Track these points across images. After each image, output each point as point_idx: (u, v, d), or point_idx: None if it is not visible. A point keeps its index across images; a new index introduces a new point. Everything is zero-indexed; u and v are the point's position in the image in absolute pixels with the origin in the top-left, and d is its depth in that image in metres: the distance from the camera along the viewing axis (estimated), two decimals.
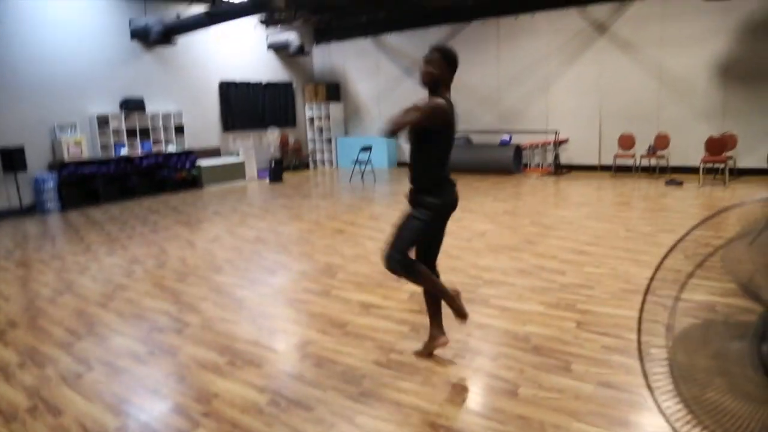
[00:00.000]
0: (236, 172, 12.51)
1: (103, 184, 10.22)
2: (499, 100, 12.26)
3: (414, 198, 3.06)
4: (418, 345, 3.34)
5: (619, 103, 10.79)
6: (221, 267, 5.50)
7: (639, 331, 1.49)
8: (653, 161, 10.25)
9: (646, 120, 10.47)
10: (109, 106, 10.63)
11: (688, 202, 7.79)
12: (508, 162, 11.33)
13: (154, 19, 10.58)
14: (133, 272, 5.44)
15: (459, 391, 2.87)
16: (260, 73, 13.68)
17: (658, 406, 1.50)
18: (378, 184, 11.27)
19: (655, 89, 10.38)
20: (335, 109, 14.62)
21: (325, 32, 14.71)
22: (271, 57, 14.02)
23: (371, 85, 14.32)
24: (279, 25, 13.34)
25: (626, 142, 10.48)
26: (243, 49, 13.23)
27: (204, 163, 11.87)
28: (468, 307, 3.25)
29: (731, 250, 1.37)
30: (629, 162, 10.48)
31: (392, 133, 2.92)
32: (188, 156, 11.62)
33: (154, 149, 11.17)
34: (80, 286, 5.06)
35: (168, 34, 10.58)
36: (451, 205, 3.08)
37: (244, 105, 13.29)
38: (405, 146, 13.62)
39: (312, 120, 14.84)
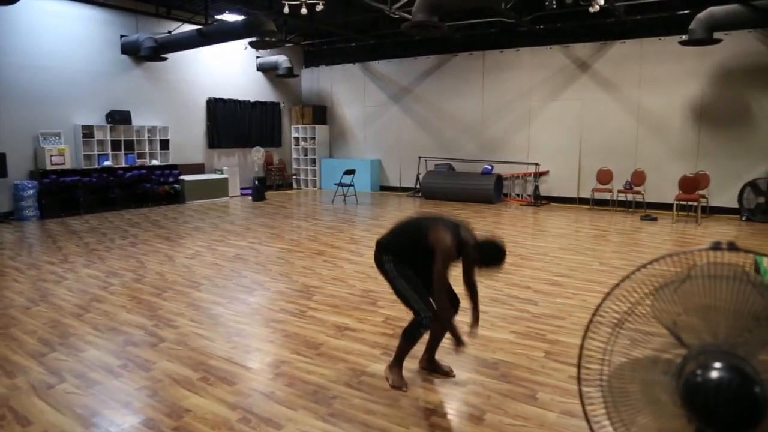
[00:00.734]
0: (219, 188, 12.53)
1: (84, 194, 10.17)
2: (483, 130, 12.51)
3: None
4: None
5: (598, 139, 11.09)
6: (199, 283, 5.52)
7: (579, 366, 1.61)
8: (630, 196, 10.52)
9: (624, 156, 10.78)
10: (96, 118, 10.65)
11: (661, 237, 8.00)
12: (488, 191, 11.52)
13: (146, 35, 10.68)
14: (110, 284, 5.43)
15: (427, 415, 2.93)
16: (248, 92, 13.82)
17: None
18: (360, 207, 11.37)
19: (634, 127, 10.71)
20: (321, 131, 14.78)
21: (314, 56, 14.96)
22: (260, 77, 14.18)
23: (357, 110, 14.53)
24: (269, 48, 13.53)
25: (604, 176, 10.75)
26: (232, 68, 13.38)
27: (187, 178, 11.89)
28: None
29: (660, 295, 1.51)
30: (607, 196, 10.74)
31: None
32: (172, 170, 11.63)
33: (138, 162, 11.17)
34: (56, 296, 5.04)
35: (159, 50, 10.68)
36: None
37: (231, 123, 13.39)
38: (391, 173, 13.80)
39: (297, 140, 14.97)
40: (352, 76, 14.50)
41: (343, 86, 14.74)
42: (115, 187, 10.67)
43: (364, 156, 14.47)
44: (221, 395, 3.12)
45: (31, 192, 9.44)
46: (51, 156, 9.72)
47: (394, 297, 4.58)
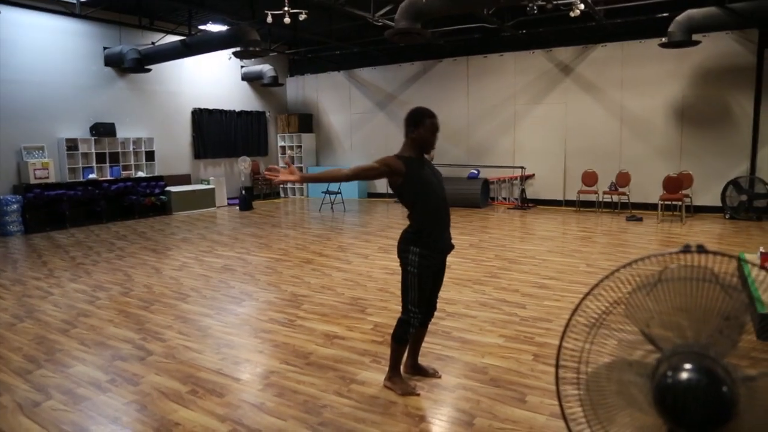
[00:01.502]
0: (206, 199, 12.49)
1: (69, 207, 10.08)
2: (469, 135, 12.59)
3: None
4: (380, 376, 3.41)
5: (583, 141, 11.20)
6: (187, 295, 5.49)
7: (557, 366, 1.64)
8: (615, 198, 10.62)
9: (608, 158, 10.89)
10: (79, 131, 10.58)
11: (647, 237, 8.08)
12: (475, 195, 11.58)
13: (129, 46, 10.64)
14: (97, 298, 5.39)
15: (417, 421, 2.94)
16: (233, 101, 13.81)
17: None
18: (348, 214, 11.38)
19: (617, 129, 10.83)
20: (307, 139, 14.79)
21: (299, 64, 14.98)
22: (245, 86, 14.17)
23: (343, 117, 14.56)
24: (253, 58, 13.53)
25: (589, 178, 10.84)
26: (217, 78, 13.36)
27: (174, 189, 11.83)
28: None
29: (633, 298, 1.55)
30: (592, 198, 10.84)
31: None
32: (158, 182, 11.57)
33: (123, 174, 11.11)
34: (41, 311, 4.99)
35: (143, 61, 10.64)
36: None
37: (217, 133, 13.36)
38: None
39: (284, 149, 14.96)
40: (337, 84, 14.54)
41: (329, 94, 14.77)
42: (100, 200, 10.59)
43: (351, 163, 14.47)
44: (211, 407, 3.10)
45: (15, 207, 9.35)
46: (35, 170, 9.64)
47: (382, 304, 4.59)
